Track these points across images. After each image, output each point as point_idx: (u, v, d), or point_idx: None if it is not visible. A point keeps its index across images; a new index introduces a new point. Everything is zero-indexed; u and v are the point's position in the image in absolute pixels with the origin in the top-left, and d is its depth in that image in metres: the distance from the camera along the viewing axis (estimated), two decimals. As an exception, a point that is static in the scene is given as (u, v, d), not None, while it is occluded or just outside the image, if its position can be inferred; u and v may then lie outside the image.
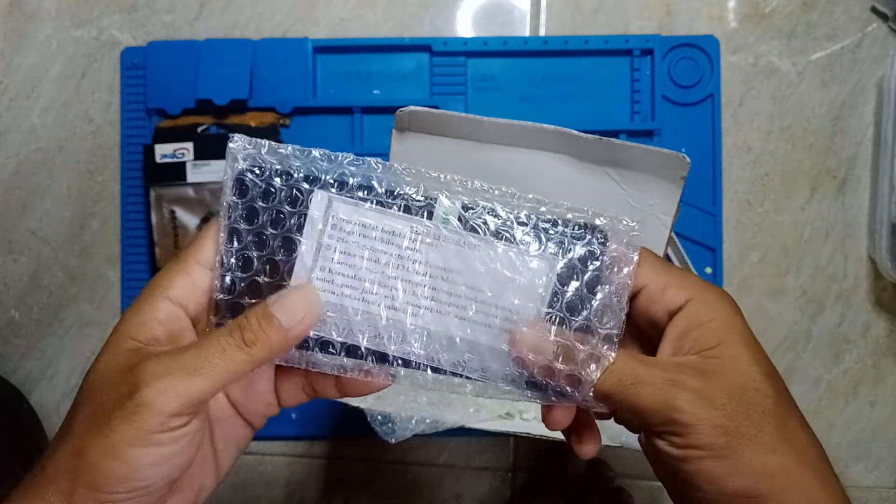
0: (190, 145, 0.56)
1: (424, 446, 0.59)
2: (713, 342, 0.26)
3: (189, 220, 0.57)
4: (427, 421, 0.48)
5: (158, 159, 0.56)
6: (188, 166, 0.56)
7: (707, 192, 0.58)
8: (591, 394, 0.27)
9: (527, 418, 0.50)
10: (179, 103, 0.58)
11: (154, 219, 0.57)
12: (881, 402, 0.58)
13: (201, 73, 0.57)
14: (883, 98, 0.56)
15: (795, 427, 0.26)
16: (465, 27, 0.60)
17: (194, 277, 0.28)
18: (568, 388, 0.27)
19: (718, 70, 0.58)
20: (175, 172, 0.56)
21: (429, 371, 0.28)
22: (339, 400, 0.45)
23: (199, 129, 0.57)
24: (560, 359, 0.27)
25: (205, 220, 0.57)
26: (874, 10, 0.58)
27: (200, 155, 0.56)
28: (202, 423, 0.27)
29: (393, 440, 0.47)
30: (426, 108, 0.38)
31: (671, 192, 0.41)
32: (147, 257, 0.58)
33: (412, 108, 0.37)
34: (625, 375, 0.26)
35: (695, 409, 0.25)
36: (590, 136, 0.39)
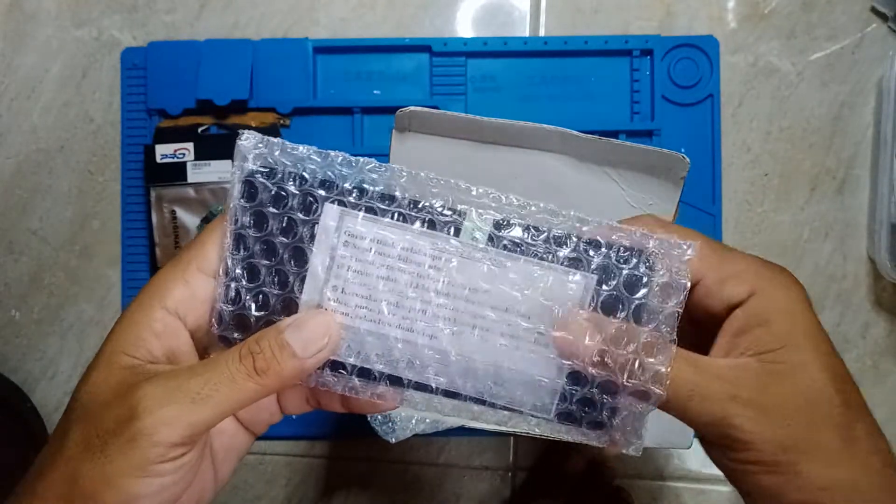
0: (190, 145, 0.56)
1: (424, 446, 0.59)
2: (776, 344, 0.24)
3: (189, 220, 0.57)
4: (427, 421, 0.48)
5: (159, 159, 0.57)
6: (189, 166, 0.56)
7: (707, 192, 0.58)
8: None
9: (527, 418, 0.50)
10: (180, 103, 0.58)
11: (154, 219, 0.57)
12: (881, 402, 0.58)
13: (202, 73, 0.57)
14: (883, 98, 0.56)
15: (861, 435, 0.24)
16: (465, 27, 0.60)
17: (194, 286, 0.25)
18: (625, 403, 0.25)
19: (718, 70, 0.58)
20: (175, 172, 0.56)
21: (446, 398, 0.26)
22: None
23: (200, 130, 0.57)
24: (614, 358, 0.24)
25: (205, 221, 0.57)
26: (874, 10, 0.58)
27: (201, 155, 0.56)
28: (203, 447, 0.25)
29: (393, 440, 0.47)
30: (426, 109, 0.38)
31: (671, 192, 0.41)
32: (147, 257, 0.58)
33: (412, 108, 0.37)
34: (681, 387, 0.24)
35: (753, 426, 0.23)
36: (589, 136, 0.39)
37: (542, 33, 0.59)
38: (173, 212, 0.57)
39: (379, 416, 0.48)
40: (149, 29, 0.60)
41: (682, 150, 0.48)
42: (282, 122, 0.58)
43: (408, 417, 0.48)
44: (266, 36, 0.59)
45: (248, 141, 0.25)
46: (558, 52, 0.58)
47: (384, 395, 0.26)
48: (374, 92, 0.59)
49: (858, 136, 0.58)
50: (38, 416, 0.59)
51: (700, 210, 0.57)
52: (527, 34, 0.60)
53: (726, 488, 0.57)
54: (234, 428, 0.29)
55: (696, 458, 0.58)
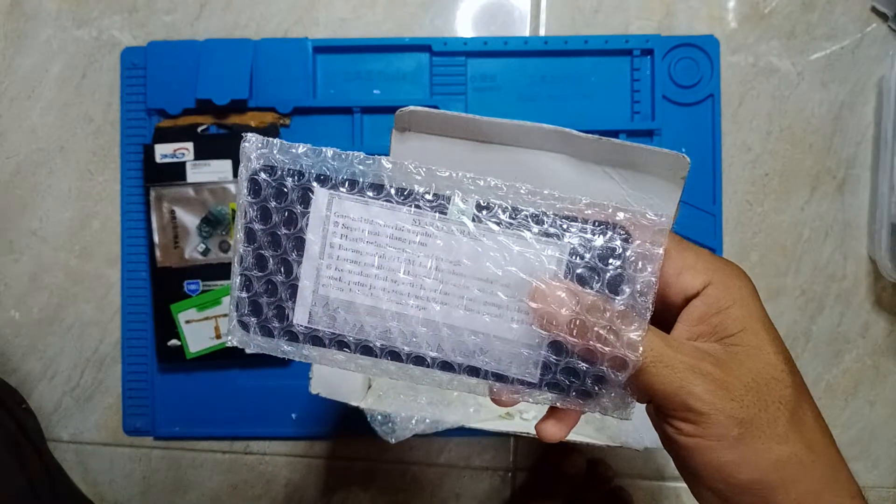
0: (190, 145, 0.56)
1: (424, 446, 0.59)
2: (734, 329, 0.26)
3: (189, 219, 0.57)
4: (427, 421, 0.48)
5: (158, 159, 0.57)
6: (188, 166, 0.56)
7: (707, 192, 0.58)
8: (625, 381, 0.26)
9: (526, 418, 0.50)
10: (179, 103, 0.58)
11: (154, 219, 0.57)
12: (881, 401, 0.58)
13: (201, 73, 0.57)
14: (883, 98, 0.56)
15: (808, 415, 0.26)
16: (465, 27, 0.60)
17: None
18: (605, 370, 0.26)
19: (718, 70, 0.58)
20: (175, 172, 0.56)
21: (442, 371, 0.28)
22: (339, 399, 0.45)
23: (200, 129, 0.57)
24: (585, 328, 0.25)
25: (205, 221, 0.57)
26: (874, 10, 0.58)
27: (200, 155, 0.56)
28: None
29: (393, 440, 0.47)
30: (426, 108, 0.38)
31: (671, 192, 0.41)
32: (147, 257, 0.58)
33: (412, 107, 0.37)
34: (647, 355, 0.25)
35: (712, 398, 0.25)
36: (590, 135, 0.39)
37: (542, 33, 0.59)
38: (173, 211, 0.57)
39: (379, 416, 0.48)
40: (149, 29, 0.60)
41: (683, 150, 0.48)
42: (281, 121, 0.58)
43: (408, 417, 0.48)
44: (266, 36, 0.59)
45: (250, 143, 0.27)
46: (558, 52, 0.58)
47: (387, 371, 0.28)
48: (374, 92, 0.59)
49: (858, 136, 0.58)
50: (34, 417, 0.59)
51: (700, 210, 0.57)
52: (527, 34, 0.59)
53: (726, 488, 0.57)
54: None
55: (696, 458, 0.58)
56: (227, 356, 0.57)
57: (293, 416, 0.58)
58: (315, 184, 0.27)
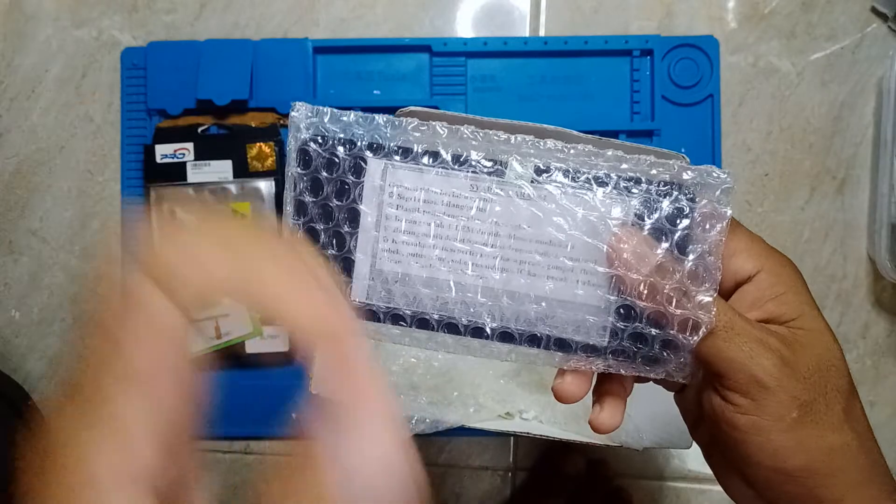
0: (190, 145, 0.56)
1: (424, 446, 0.59)
2: (793, 314, 0.25)
3: (189, 220, 0.57)
4: (427, 421, 0.48)
5: (159, 159, 0.57)
6: (188, 166, 0.56)
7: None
8: (692, 349, 0.25)
9: (527, 418, 0.51)
10: (180, 103, 0.58)
11: (154, 219, 0.57)
12: (881, 402, 0.58)
13: (202, 73, 0.57)
14: (883, 98, 0.56)
15: (858, 407, 0.25)
16: (465, 27, 0.60)
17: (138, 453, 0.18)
18: (673, 334, 0.25)
19: (718, 70, 0.58)
20: (175, 172, 0.56)
21: (501, 342, 0.27)
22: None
23: (200, 130, 0.57)
24: (664, 286, 0.24)
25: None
26: (874, 10, 0.58)
27: (201, 155, 0.56)
28: None
29: (393, 440, 0.47)
30: (426, 108, 0.38)
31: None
32: (147, 257, 0.58)
33: (412, 108, 0.37)
34: (719, 320, 0.25)
35: (779, 373, 0.24)
36: (590, 136, 0.39)
37: (542, 33, 0.59)
38: (173, 212, 0.57)
39: (379, 416, 0.48)
40: (149, 29, 0.60)
41: (683, 150, 0.48)
42: (282, 122, 0.58)
43: (408, 417, 0.48)
44: (266, 36, 0.59)
45: (299, 112, 0.27)
46: (558, 52, 0.58)
47: (444, 344, 0.27)
48: (374, 92, 0.59)
49: (858, 136, 0.58)
50: (40, 415, 0.59)
51: (700, 210, 0.57)
52: (527, 34, 0.59)
53: (726, 488, 0.57)
54: None
55: (696, 459, 0.58)
56: (227, 356, 0.57)
57: (293, 416, 0.58)
58: (368, 153, 0.27)
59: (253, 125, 0.57)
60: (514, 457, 0.59)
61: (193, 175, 0.56)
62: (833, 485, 0.24)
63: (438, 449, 0.59)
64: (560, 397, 0.27)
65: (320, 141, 0.27)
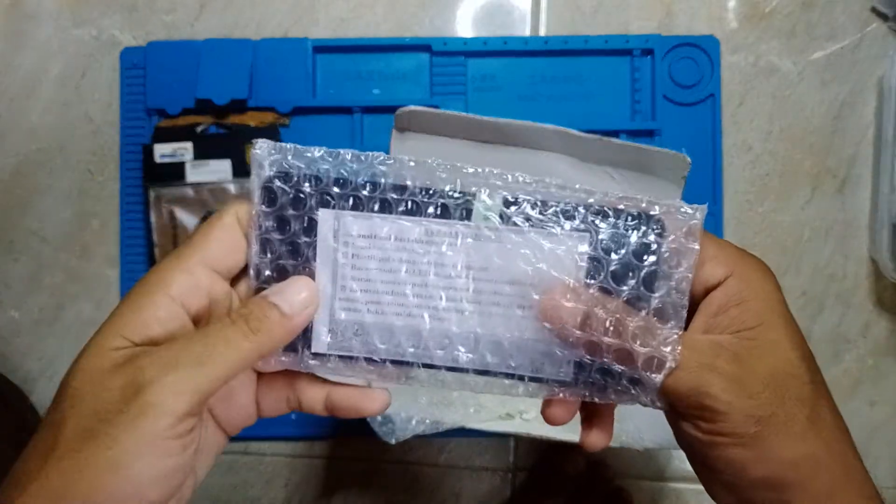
0: (189, 145, 0.56)
1: (424, 446, 0.59)
2: (752, 322, 0.25)
3: (188, 220, 0.57)
4: (427, 421, 0.48)
5: (158, 159, 0.56)
6: (187, 166, 0.56)
7: (707, 192, 0.58)
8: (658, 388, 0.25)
9: (527, 418, 0.50)
10: (179, 103, 0.58)
11: (153, 219, 0.57)
12: (881, 401, 0.58)
13: (201, 73, 0.57)
14: (883, 98, 0.56)
15: (826, 413, 0.25)
16: (465, 27, 0.60)
17: (197, 276, 0.26)
18: (626, 370, 0.25)
19: (718, 70, 0.58)
20: (174, 172, 0.56)
21: (477, 375, 0.27)
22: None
23: (199, 129, 0.57)
24: (611, 334, 0.25)
25: (204, 221, 0.57)
26: (874, 10, 0.58)
27: (200, 155, 0.56)
28: (199, 431, 0.25)
29: (393, 440, 0.47)
30: (426, 108, 0.38)
31: (671, 191, 0.41)
32: (146, 257, 0.58)
33: (412, 107, 0.37)
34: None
35: (728, 396, 0.24)
36: (590, 135, 0.39)
37: (542, 33, 0.59)
38: (172, 211, 0.57)
39: (379, 417, 0.48)
40: (148, 29, 0.60)
41: (683, 150, 0.48)
42: (281, 121, 0.58)
43: (408, 418, 0.48)
44: (266, 36, 0.59)
45: (261, 149, 0.26)
46: (558, 52, 0.58)
47: (418, 378, 0.27)
48: (374, 91, 0.59)
49: (859, 136, 0.58)
50: (37, 415, 0.59)
51: (700, 210, 0.57)
52: (527, 34, 0.59)
53: (727, 488, 0.57)
54: (213, 426, 0.29)
55: (696, 459, 0.58)
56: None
57: (293, 416, 0.58)
58: (336, 188, 0.26)
59: (252, 125, 0.57)
60: (514, 457, 0.59)
61: (192, 175, 0.56)
62: (802, 493, 0.24)
63: (438, 449, 0.59)
64: (550, 422, 0.28)
65: (284, 178, 0.26)
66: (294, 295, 0.26)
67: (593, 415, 0.29)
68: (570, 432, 0.47)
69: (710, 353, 0.25)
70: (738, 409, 0.24)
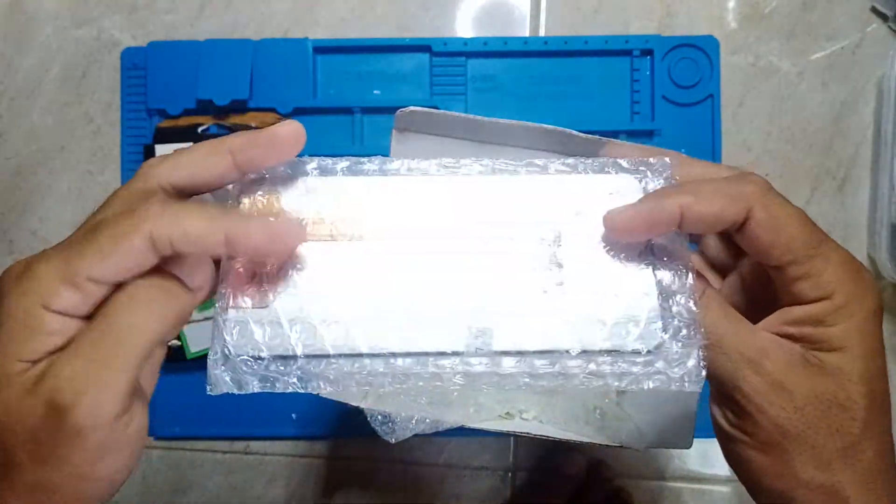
0: (190, 145, 0.56)
1: (424, 446, 0.59)
2: (833, 345, 0.24)
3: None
4: (427, 421, 0.48)
5: (159, 159, 0.56)
6: (188, 166, 0.56)
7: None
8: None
9: (527, 418, 0.50)
10: (180, 103, 0.58)
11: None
12: (881, 402, 0.58)
13: (202, 73, 0.57)
14: (883, 98, 0.56)
15: (869, 453, 0.24)
16: (465, 27, 0.60)
17: (87, 292, 0.22)
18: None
19: (718, 70, 0.58)
20: (175, 172, 0.56)
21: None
22: (338, 400, 0.45)
23: (200, 130, 0.57)
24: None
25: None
26: (874, 10, 0.58)
27: (200, 155, 0.56)
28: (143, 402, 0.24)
29: (393, 440, 0.47)
30: (426, 109, 0.38)
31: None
32: (147, 257, 0.58)
33: (412, 108, 0.37)
34: (709, 333, 0.24)
35: (760, 399, 0.23)
36: (589, 136, 0.39)
37: (542, 33, 0.59)
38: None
39: (379, 416, 0.48)
40: (149, 29, 0.60)
41: (683, 151, 0.48)
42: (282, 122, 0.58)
43: (408, 417, 0.48)
44: (266, 36, 0.59)
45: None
46: (558, 52, 0.58)
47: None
48: (374, 92, 0.59)
49: (858, 136, 0.58)
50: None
51: (700, 210, 0.57)
52: (527, 34, 0.59)
53: (726, 488, 0.57)
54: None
55: (696, 459, 0.58)
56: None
57: (293, 416, 0.58)
58: None
59: (253, 125, 0.57)
60: (514, 457, 0.59)
61: (193, 175, 0.56)
62: None
63: (438, 449, 0.59)
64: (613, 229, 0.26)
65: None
66: (193, 265, 0.24)
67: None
68: (570, 432, 0.47)
69: (765, 351, 0.24)
70: (767, 414, 0.24)
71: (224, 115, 0.58)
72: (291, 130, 0.26)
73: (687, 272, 0.25)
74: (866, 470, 0.24)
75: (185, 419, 0.59)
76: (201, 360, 0.57)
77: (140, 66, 0.59)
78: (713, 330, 0.24)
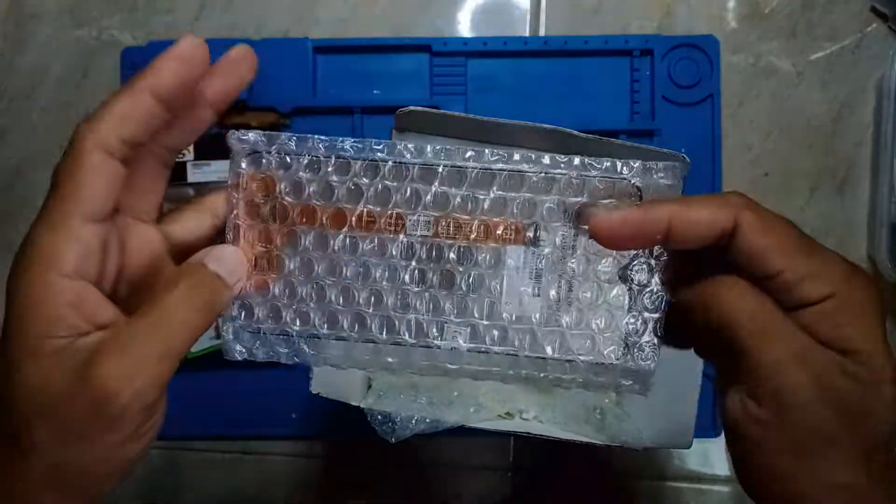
0: (190, 145, 0.56)
1: (424, 446, 0.59)
2: (848, 347, 0.23)
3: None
4: (427, 421, 0.48)
5: (159, 159, 0.56)
6: (188, 166, 0.56)
7: (707, 192, 0.58)
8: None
9: (527, 418, 0.51)
10: (180, 103, 0.57)
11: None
12: (881, 401, 0.58)
13: (201, 73, 0.57)
14: (883, 98, 0.56)
15: (892, 452, 0.24)
16: (465, 27, 0.60)
17: (85, 241, 0.24)
18: None
19: (718, 70, 0.58)
20: (175, 173, 0.56)
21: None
22: (339, 399, 0.45)
23: (200, 129, 0.57)
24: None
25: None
26: (874, 10, 0.58)
27: (201, 155, 0.56)
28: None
29: (393, 440, 0.47)
30: (426, 108, 0.38)
31: (671, 192, 0.41)
32: (147, 257, 0.58)
33: (412, 108, 0.37)
34: (758, 320, 0.24)
35: (806, 395, 0.23)
36: (590, 136, 0.39)
37: (542, 33, 0.59)
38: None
39: (379, 416, 0.48)
40: (149, 29, 0.60)
41: (683, 150, 0.48)
42: (282, 121, 0.58)
43: (408, 417, 0.48)
44: (266, 36, 0.59)
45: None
46: (558, 52, 0.58)
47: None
48: (374, 92, 0.59)
49: (858, 136, 0.58)
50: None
51: (700, 210, 0.57)
52: (527, 34, 0.59)
53: (726, 488, 0.57)
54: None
55: (696, 458, 0.58)
56: (227, 356, 0.57)
57: (293, 416, 0.58)
58: None
59: (253, 125, 0.57)
60: (514, 457, 0.59)
61: (193, 175, 0.56)
62: None
63: (438, 449, 0.59)
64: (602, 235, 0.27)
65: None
66: (231, 264, 0.27)
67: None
68: (570, 432, 0.47)
69: (804, 348, 0.24)
70: (808, 411, 0.23)
71: (224, 115, 0.58)
72: (191, 44, 0.26)
73: (658, 294, 0.27)
74: (886, 469, 0.24)
75: (185, 419, 0.59)
76: (201, 361, 0.57)
77: (140, 66, 0.59)
78: (766, 317, 0.24)
